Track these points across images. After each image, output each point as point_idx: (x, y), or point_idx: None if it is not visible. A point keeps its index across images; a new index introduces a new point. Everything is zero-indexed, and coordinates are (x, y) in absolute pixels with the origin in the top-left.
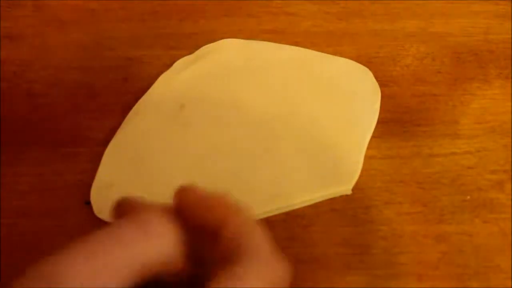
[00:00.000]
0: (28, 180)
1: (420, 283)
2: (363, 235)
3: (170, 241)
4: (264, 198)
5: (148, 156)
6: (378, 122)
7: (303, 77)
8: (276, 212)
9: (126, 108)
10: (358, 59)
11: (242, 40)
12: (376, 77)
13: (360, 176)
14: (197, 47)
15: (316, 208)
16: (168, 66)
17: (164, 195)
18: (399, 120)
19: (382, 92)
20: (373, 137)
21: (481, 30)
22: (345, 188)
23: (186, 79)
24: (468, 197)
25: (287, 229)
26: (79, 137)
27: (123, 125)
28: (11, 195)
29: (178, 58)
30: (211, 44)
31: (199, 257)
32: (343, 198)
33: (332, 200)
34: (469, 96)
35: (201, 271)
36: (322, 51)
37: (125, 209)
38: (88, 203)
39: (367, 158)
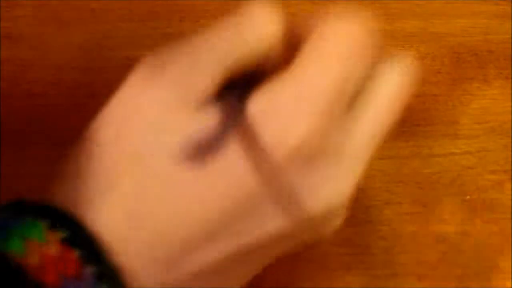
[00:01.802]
0: (28, 180)
1: (420, 283)
2: (363, 235)
3: (277, 31)
4: None
5: None
6: None
7: None
8: None
9: None
10: None
11: None
12: None
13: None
14: None
15: None
16: None
17: None
18: (399, 120)
19: None
20: None
21: (481, 30)
22: None
23: None
24: (468, 197)
25: None
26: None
27: None
28: (11, 195)
29: None
30: None
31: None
32: None
33: None
34: (469, 96)
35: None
36: None
37: None
38: None
39: None
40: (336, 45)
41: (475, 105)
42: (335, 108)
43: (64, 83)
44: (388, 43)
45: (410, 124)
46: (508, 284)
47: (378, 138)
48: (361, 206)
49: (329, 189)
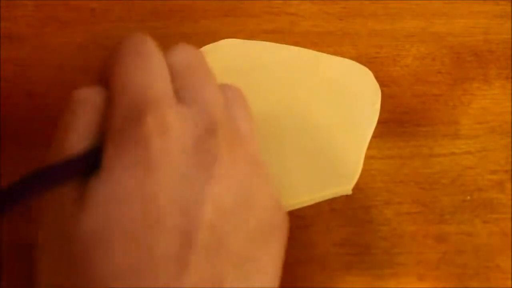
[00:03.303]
0: None
1: (420, 283)
2: (363, 235)
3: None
4: None
5: None
6: (378, 122)
7: (303, 77)
8: None
9: None
10: (358, 59)
11: (242, 40)
12: (376, 77)
13: (360, 176)
14: (197, 47)
15: (316, 208)
16: None
17: None
18: (399, 120)
19: (382, 92)
20: (373, 137)
21: (481, 30)
22: (345, 188)
23: None
24: (468, 197)
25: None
26: None
27: None
28: None
29: None
30: (211, 44)
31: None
32: (343, 198)
33: (332, 200)
34: (469, 96)
35: None
36: (322, 51)
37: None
38: None
39: (367, 158)
40: None
41: (475, 105)
42: None
43: (64, 83)
44: (388, 43)
45: (410, 124)
46: (508, 284)
47: None
48: (361, 206)
49: None
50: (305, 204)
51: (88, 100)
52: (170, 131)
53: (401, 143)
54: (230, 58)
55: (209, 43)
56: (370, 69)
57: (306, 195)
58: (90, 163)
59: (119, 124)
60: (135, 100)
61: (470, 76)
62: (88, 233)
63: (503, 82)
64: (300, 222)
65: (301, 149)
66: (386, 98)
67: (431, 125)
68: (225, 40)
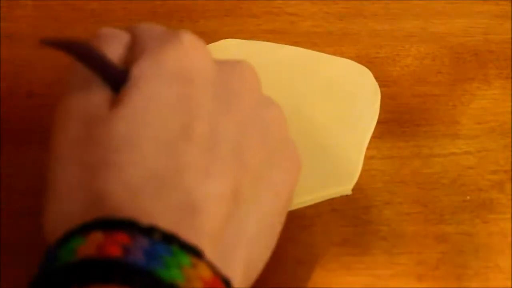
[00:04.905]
0: (28, 180)
1: (420, 283)
2: (363, 235)
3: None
4: None
5: None
6: (378, 122)
7: (303, 77)
8: None
9: None
10: (358, 59)
11: (242, 40)
12: (376, 77)
13: (360, 176)
14: None
15: (316, 208)
16: None
17: None
18: (399, 120)
19: (382, 92)
20: (373, 137)
21: (481, 30)
22: (345, 188)
23: None
24: (468, 197)
25: (287, 229)
26: None
27: None
28: (11, 195)
29: None
30: (211, 44)
31: None
32: (343, 198)
33: (332, 200)
34: (469, 96)
35: None
36: (322, 51)
37: None
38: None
39: (367, 158)
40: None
41: (475, 105)
42: None
43: (64, 83)
44: (388, 43)
45: (410, 124)
46: (508, 284)
47: None
48: (361, 206)
49: None
50: (305, 204)
51: (116, 35)
52: (201, 48)
53: (401, 143)
54: (230, 58)
55: (209, 43)
56: (370, 69)
57: (306, 195)
58: (122, 78)
59: (147, 45)
60: (160, 31)
61: (470, 76)
62: (119, 135)
63: (503, 82)
64: (300, 222)
65: (300, 149)
66: (386, 98)
67: (431, 125)
68: (225, 40)
